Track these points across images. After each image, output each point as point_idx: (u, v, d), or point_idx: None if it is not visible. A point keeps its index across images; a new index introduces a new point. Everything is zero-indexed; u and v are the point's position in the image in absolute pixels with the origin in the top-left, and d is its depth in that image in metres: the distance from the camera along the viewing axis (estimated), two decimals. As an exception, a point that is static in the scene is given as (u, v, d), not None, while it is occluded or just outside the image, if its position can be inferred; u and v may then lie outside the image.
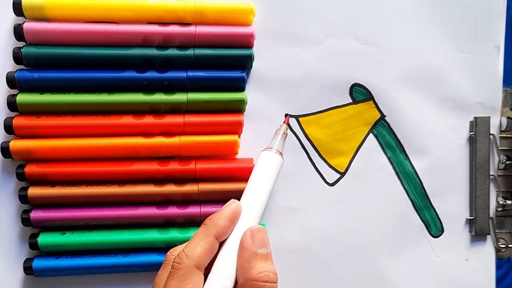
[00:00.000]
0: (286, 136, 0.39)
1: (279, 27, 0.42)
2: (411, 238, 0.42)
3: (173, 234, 0.40)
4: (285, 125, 0.39)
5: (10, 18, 0.40)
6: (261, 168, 0.36)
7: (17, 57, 0.39)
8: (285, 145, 0.41)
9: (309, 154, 0.42)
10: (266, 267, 0.32)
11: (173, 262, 0.32)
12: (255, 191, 0.36)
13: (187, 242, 0.33)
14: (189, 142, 0.39)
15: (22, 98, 0.39)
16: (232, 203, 0.34)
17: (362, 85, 0.42)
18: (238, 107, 0.41)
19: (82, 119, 0.39)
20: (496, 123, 0.42)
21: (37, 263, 0.39)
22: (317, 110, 0.42)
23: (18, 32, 0.38)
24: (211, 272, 0.32)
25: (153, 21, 0.40)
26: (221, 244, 0.33)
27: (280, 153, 0.37)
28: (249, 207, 0.35)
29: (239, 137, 0.41)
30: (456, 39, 0.42)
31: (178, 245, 0.39)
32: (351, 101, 0.42)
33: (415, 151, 0.42)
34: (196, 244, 0.33)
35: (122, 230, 0.40)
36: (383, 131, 0.42)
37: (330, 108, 0.42)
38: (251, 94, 0.42)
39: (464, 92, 0.42)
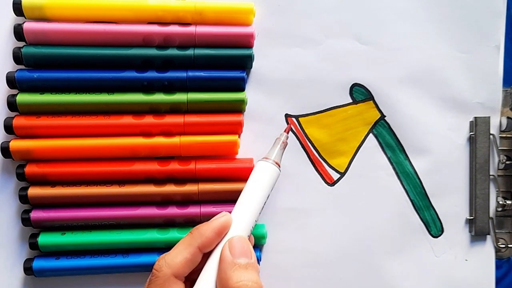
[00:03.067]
0: (286, 145, 0.37)
1: (279, 27, 0.42)
2: (411, 238, 0.42)
3: (173, 234, 0.40)
4: (285, 134, 0.37)
5: (10, 18, 0.40)
6: (256, 179, 0.35)
7: (17, 57, 0.39)
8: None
9: (309, 154, 0.42)
10: (245, 276, 0.30)
11: (153, 269, 0.32)
12: (247, 204, 0.34)
13: (171, 250, 0.33)
14: (189, 142, 0.39)
15: (22, 98, 0.39)
16: (223, 216, 0.33)
17: (362, 85, 0.42)
18: (238, 107, 0.41)
19: (82, 119, 0.39)
20: (496, 123, 0.43)
21: (37, 263, 0.39)
22: (317, 110, 0.42)
23: (18, 32, 0.38)
24: (195, 286, 0.31)
25: (153, 21, 0.40)
26: (207, 257, 0.33)
27: (278, 164, 0.36)
28: (239, 219, 0.34)
29: (239, 137, 0.41)
30: (456, 39, 0.42)
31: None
32: (351, 101, 0.42)
33: (415, 151, 0.42)
34: (178, 253, 0.32)
35: (122, 230, 0.40)
36: (383, 131, 0.42)
37: (330, 108, 0.42)
38: (251, 94, 0.42)
39: (464, 92, 0.42)
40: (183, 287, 0.32)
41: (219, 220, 0.33)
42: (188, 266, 0.32)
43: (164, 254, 0.33)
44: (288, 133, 0.38)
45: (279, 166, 0.36)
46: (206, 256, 0.33)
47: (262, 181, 0.35)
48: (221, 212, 0.39)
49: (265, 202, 0.35)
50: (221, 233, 0.33)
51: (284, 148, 0.37)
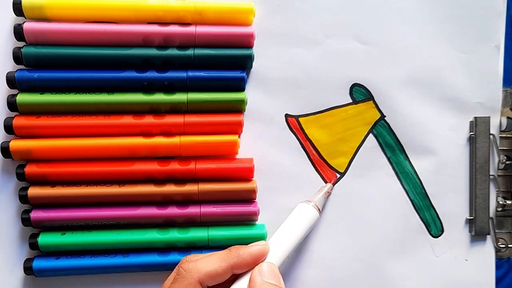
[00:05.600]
0: (329, 195, 0.41)
1: (279, 27, 0.42)
2: (411, 238, 0.42)
3: (173, 234, 0.40)
4: (330, 185, 0.41)
5: (10, 18, 0.40)
6: (296, 218, 0.38)
7: (17, 57, 0.39)
8: (285, 145, 0.42)
9: (309, 154, 0.42)
10: None
11: (180, 267, 0.32)
12: (283, 239, 0.37)
13: (204, 255, 0.34)
14: (189, 142, 0.39)
15: (22, 98, 0.39)
16: (263, 244, 0.35)
17: (362, 85, 0.42)
18: (238, 107, 0.41)
19: (82, 119, 0.39)
20: (496, 123, 0.42)
21: (37, 263, 0.39)
22: (317, 110, 0.42)
23: (18, 32, 0.38)
24: None
25: (153, 21, 0.40)
26: (233, 279, 0.34)
27: (318, 208, 0.39)
28: (274, 251, 0.36)
29: (239, 137, 0.41)
30: (456, 39, 0.42)
31: (178, 245, 0.40)
32: (351, 101, 0.42)
33: (415, 151, 0.42)
34: (210, 262, 0.33)
35: (122, 230, 0.40)
36: (383, 131, 0.42)
37: (330, 108, 0.42)
38: (251, 94, 0.42)
39: (464, 92, 0.42)
40: None
41: (258, 247, 0.35)
42: (215, 279, 0.33)
43: (194, 257, 0.34)
44: (334, 184, 0.41)
45: (320, 211, 0.39)
46: (232, 276, 0.34)
47: (301, 221, 0.38)
48: (221, 212, 0.39)
49: (300, 241, 0.38)
50: (258, 259, 0.34)
51: (327, 197, 0.41)
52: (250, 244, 0.35)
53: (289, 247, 0.37)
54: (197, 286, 0.32)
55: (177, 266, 0.34)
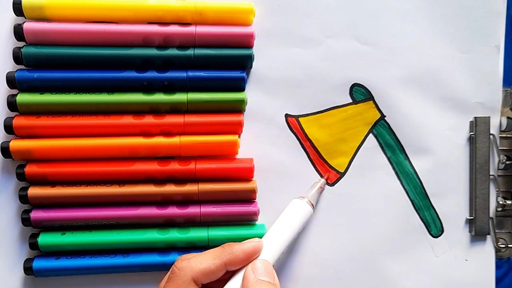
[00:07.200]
0: (323, 190, 0.41)
1: (279, 27, 0.42)
2: (411, 238, 0.42)
3: (173, 234, 0.40)
4: (323, 180, 0.41)
5: (10, 18, 0.40)
6: (289, 215, 0.38)
7: (17, 57, 0.39)
8: (285, 145, 0.42)
9: (309, 154, 0.42)
10: None
11: (174, 267, 0.32)
12: (277, 235, 0.37)
13: (198, 253, 0.34)
14: (189, 142, 0.39)
15: (22, 98, 0.39)
16: (256, 241, 0.35)
17: (362, 85, 0.42)
18: (238, 107, 0.41)
19: (82, 119, 0.39)
20: (496, 123, 0.42)
21: (37, 263, 0.39)
22: (317, 110, 0.42)
23: (18, 32, 0.38)
24: None
25: (153, 21, 0.40)
26: (228, 276, 0.34)
27: (312, 204, 0.39)
28: (269, 247, 0.36)
29: (239, 137, 0.41)
30: (456, 39, 0.42)
31: (178, 245, 0.40)
32: (351, 101, 0.42)
33: (415, 151, 0.42)
34: (204, 260, 0.33)
35: (122, 230, 0.40)
36: (383, 131, 0.42)
37: (330, 108, 0.42)
38: (251, 94, 0.42)
39: (464, 92, 0.42)
40: None
41: (251, 244, 0.34)
42: (209, 276, 0.33)
43: (189, 255, 0.34)
44: (327, 180, 0.41)
45: (313, 207, 0.39)
46: (227, 274, 0.34)
47: (295, 217, 0.38)
48: (221, 212, 0.39)
49: (295, 237, 0.38)
50: (251, 256, 0.34)
51: (320, 192, 0.41)
52: (244, 241, 0.35)
53: (283, 244, 0.36)
54: (191, 284, 0.32)
55: (172, 266, 0.34)
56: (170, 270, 0.33)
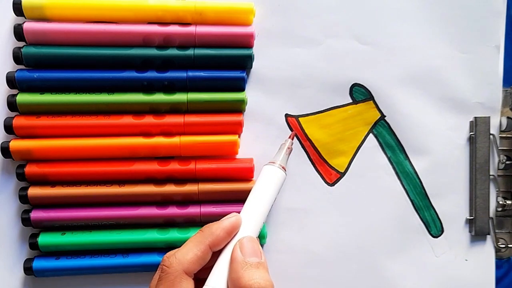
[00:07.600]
0: (291, 151, 0.38)
1: (279, 27, 0.42)
2: (411, 238, 0.42)
3: (173, 234, 0.40)
4: (290, 140, 0.39)
5: (10, 18, 0.40)
6: (263, 183, 0.36)
7: (17, 57, 0.39)
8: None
9: (309, 154, 0.42)
10: (257, 275, 0.31)
11: (162, 265, 0.32)
12: (255, 205, 0.35)
13: (180, 247, 0.33)
14: (189, 142, 0.39)
15: (22, 98, 0.39)
16: (233, 216, 0.34)
17: (362, 85, 0.42)
18: (238, 107, 0.41)
19: (82, 119, 0.39)
20: (496, 123, 0.43)
21: (37, 263, 0.39)
22: (317, 110, 0.42)
23: (18, 32, 0.38)
24: (204, 285, 0.32)
25: (153, 21, 0.40)
26: (216, 256, 0.33)
27: (283, 168, 0.37)
28: (248, 220, 0.35)
29: (239, 137, 0.41)
30: (456, 39, 0.42)
31: (178, 245, 0.39)
32: (351, 101, 0.42)
33: (415, 151, 0.42)
34: (188, 249, 0.33)
35: (122, 230, 0.40)
36: (383, 131, 0.42)
37: (330, 108, 0.42)
38: (251, 94, 0.42)
39: (464, 92, 0.42)
40: (193, 284, 0.32)
41: (229, 220, 0.34)
42: (199, 263, 0.32)
43: (172, 251, 0.33)
44: (293, 139, 0.39)
45: (285, 170, 0.37)
46: (215, 254, 0.33)
47: (270, 184, 0.36)
48: (221, 212, 0.39)
49: (272, 205, 0.36)
50: (231, 232, 0.34)
51: (289, 153, 0.38)
52: (221, 219, 0.34)
53: (262, 215, 0.35)
54: (183, 277, 0.32)
55: (159, 266, 0.34)
56: (159, 269, 0.33)
